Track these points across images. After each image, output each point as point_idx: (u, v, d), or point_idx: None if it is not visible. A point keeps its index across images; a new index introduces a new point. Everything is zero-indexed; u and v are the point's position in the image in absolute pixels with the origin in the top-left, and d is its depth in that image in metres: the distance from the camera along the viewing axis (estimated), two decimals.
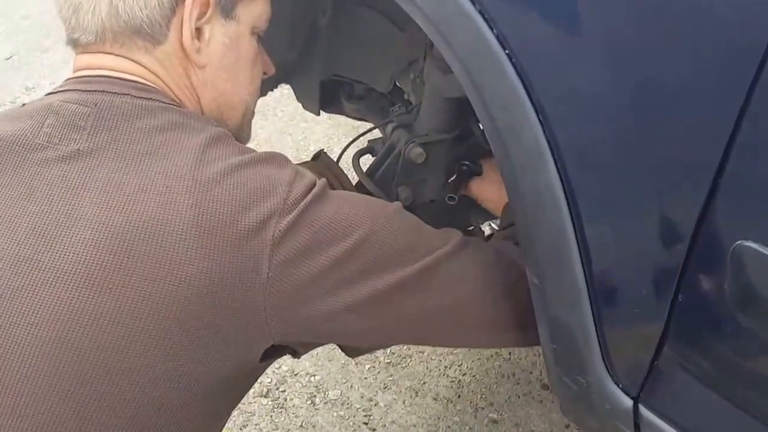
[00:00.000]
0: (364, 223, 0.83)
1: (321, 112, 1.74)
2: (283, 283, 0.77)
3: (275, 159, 0.84)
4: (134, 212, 0.75)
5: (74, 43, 0.85)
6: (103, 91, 0.81)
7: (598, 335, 0.83)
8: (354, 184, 1.31)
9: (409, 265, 0.84)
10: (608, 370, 0.85)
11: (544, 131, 0.76)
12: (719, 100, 0.64)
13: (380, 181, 1.33)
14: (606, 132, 0.75)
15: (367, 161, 1.36)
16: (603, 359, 0.84)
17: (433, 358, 1.91)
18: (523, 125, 0.76)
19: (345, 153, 1.41)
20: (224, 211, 0.75)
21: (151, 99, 0.82)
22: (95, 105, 0.80)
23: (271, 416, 1.72)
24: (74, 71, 0.86)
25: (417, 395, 1.81)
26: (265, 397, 1.77)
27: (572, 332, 0.84)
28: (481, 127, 1.35)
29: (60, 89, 0.85)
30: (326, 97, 1.70)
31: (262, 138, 2.56)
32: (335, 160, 1.34)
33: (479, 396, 1.83)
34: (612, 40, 0.72)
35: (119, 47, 0.83)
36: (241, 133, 0.98)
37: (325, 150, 1.36)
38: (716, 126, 0.64)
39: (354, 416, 1.75)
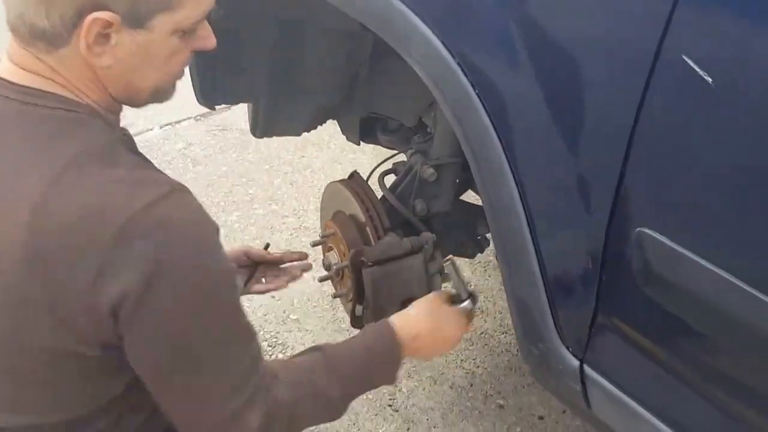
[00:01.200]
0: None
1: (361, 142, 1.96)
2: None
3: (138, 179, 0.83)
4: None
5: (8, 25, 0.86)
6: (4, 96, 0.85)
7: (551, 309, 1.00)
8: (379, 198, 1.52)
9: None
10: (560, 337, 1.02)
11: (507, 158, 0.94)
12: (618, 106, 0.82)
13: (400, 195, 1.53)
14: (545, 147, 0.93)
15: (391, 180, 1.57)
16: (555, 328, 1.01)
17: (451, 353, 2.07)
18: (490, 148, 0.95)
19: (374, 174, 1.61)
20: (58, 232, 0.79)
21: (38, 105, 0.84)
22: None
23: None
24: (6, 53, 0.88)
25: (435, 383, 1.98)
26: None
27: (531, 308, 1.02)
28: None
29: None
30: (365, 130, 1.91)
31: (316, 166, 2.78)
32: (366, 179, 1.55)
33: (489, 385, 1.98)
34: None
35: (26, 44, 0.84)
36: (153, 100, 0.95)
37: (358, 172, 1.57)
38: (617, 135, 0.82)
39: (380, 399, 1.92)
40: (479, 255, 2.41)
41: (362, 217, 1.47)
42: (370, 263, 1.39)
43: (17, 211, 0.79)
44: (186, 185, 0.88)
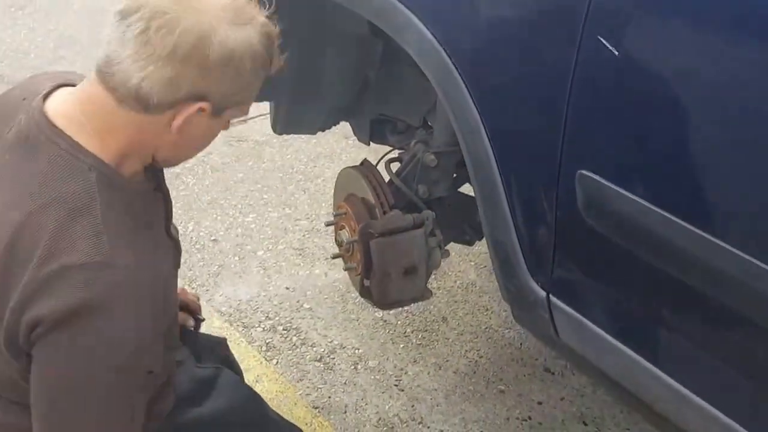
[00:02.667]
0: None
1: (370, 142, 2.34)
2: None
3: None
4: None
5: (104, 66, 1.05)
6: (39, 127, 1.09)
7: (521, 247, 1.36)
8: (387, 181, 1.89)
9: None
10: (530, 272, 1.37)
11: (479, 115, 1.32)
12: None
13: (404, 179, 1.90)
14: (512, 114, 1.31)
15: (396, 167, 1.95)
16: (526, 264, 1.37)
17: (456, 344, 2.42)
18: (467, 113, 1.33)
19: (381, 162, 1.99)
20: (25, 249, 1.04)
21: (57, 144, 1.07)
22: (28, 133, 1.09)
23: (322, 375, 2.26)
24: (79, 87, 1.11)
25: (440, 369, 2.32)
26: (318, 361, 2.31)
27: (506, 248, 1.38)
28: None
29: (35, 107, 1.10)
30: (375, 131, 2.29)
31: (328, 176, 3.17)
32: (375, 165, 1.93)
33: (491, 372, 2.32)
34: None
35: (117, 101, 1.05)
36: (170, 166, 1.20)
37: (368, 159, 1.95)
38: (558, 99, 1.20)
39: (387, 380, 2.27)
40: (484, 258, 2.78)
41: (371, 198, 1.84)
42: (377, 234, 1.76)
43: (3, 227, 1.06)
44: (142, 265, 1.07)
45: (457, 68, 1.34)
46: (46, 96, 1.12)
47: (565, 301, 1.35)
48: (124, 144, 1.08)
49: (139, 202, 1.14)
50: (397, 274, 1.80)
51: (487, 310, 2.57)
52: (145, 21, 1.01)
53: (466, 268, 2.74)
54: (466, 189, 2.12)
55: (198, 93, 1.05)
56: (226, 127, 1.17)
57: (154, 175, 1.20)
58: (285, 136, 3.35)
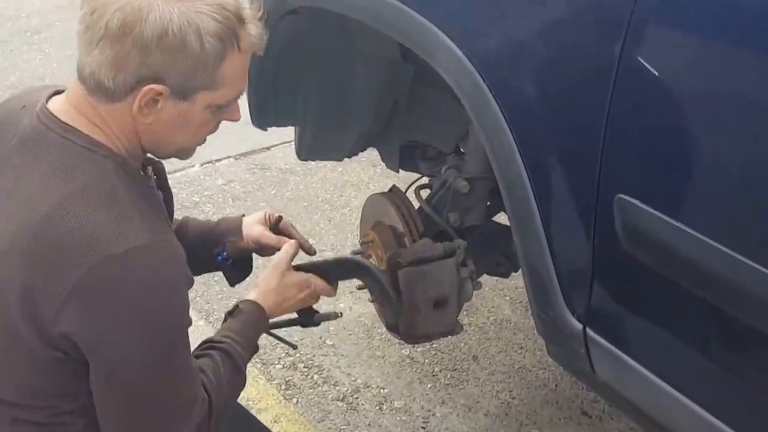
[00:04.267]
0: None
1: (399, 170, 2.38)
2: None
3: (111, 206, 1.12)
4: (8, 225, 1.13)
5: (77, 68, 1.16)
6: (45, 125, 1.16)
7: (557, 276, 1.38)
8: (416, 208, 1.92)
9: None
10: (565, 303, 1.39)
11: (514, 140, 1.36)
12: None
13: (435, 206, 1.94)
14: (547, 137, 1.35)
15: (426, 195, 1.99)
16: (562, 294, 1.39)
17: (488, 384, 2.43)
18: (502, 136, 1.37)
19: (411, 188, 2.03)
20: (47, 250, 1.09)
21: (69, 140, 1.14)
22: (37, 133, 1.16)
23: (345, 415, 2.28)
24: (67, 91, 1.20)
25: (470, 411, 2.33)
26: (341, 401, 2.33)
27: (542, 276, 1.40)
28: None
29: (37, 109, 1.19)
30: (404, 157, 2.32)
31: (354, 206, 3.21)
32: (404, 192, 1.96)
33: (524, 415, 2.32)
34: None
35: (89, 93, 1.15)
36: (175, 156, 1.27)
37: (396, 185, 1.99)
38: (595, 124, 1.23)
39: (414, 421, 2.28)
40: (520, 293, 2.79)
41: (400, 226, 1.87)
42: (405, 263, 1.78)
43: (27, 221, 1.11)
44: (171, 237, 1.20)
45: (491, 91, 1.37)
46: (47, 99, 1.21)
47: (603, 334, 1.36)
48: (118, 135, 1.17)
49: (147, 191, 1.23)
50: (426, 306, 1.81)
51: (521, 348, 2.57)
52: (89, 10, 1.11)
53: (500, 303, 2.75)
54: (501, 219, 2.16)
55: (148, 74, 1.11)
56: (215, 118, 1.22)
57: (155, 172, 1.30)
58: (310, 164, 3.44)
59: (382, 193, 1.98)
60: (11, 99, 1.32)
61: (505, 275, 2.18)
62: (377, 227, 1.94)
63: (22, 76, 4.23)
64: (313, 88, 2.10)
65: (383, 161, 2.41)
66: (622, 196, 1.22)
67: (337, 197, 3.29)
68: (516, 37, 1.39)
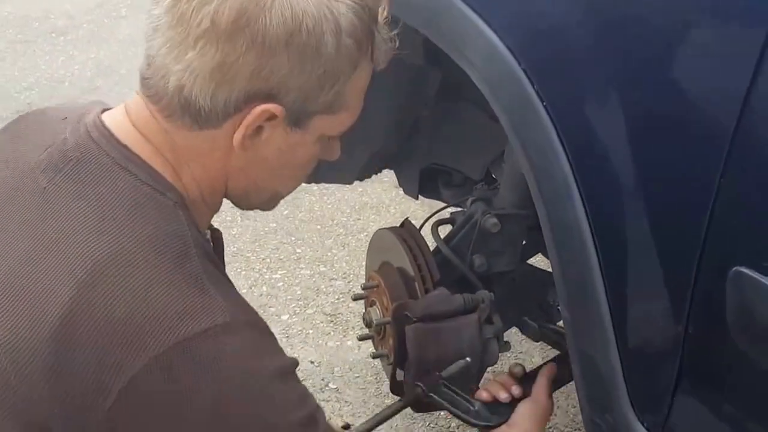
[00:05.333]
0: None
1: (419, 196, 1.93)
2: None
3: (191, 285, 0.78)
4: (32, 278, 0.77)
5: (141, 81, 0.85)
6: (98, 145, 0.83)
7: (623, 371, 0.90)
8: (432, 250, 1.47)
9: None
10: (633, 408, 0.91)
11: (572, 171, 0.88)
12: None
13: (456, 247, 1.47)
14: (624, 177, 0.87)
15: (447, 231, 1.51)
16: (628, 395, 0.91)
17: None
18: (554, 166, 0.90)
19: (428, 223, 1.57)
20: (93, 329, 0.75)
21: (129, 172, 0.82)
22: (83, 153, 0.82)
23: None
24: (124, 107, 0.88)
25: None
26: None
27: (599, 367, 0.92)
28: None
29: (88, 122, 0.86)
30: (425, 183, 1.88)
31: (372, 231, 2.76)
32: (419, 228, 1.51)
33: None
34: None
35: (165, 116, 0.82)
36: (262, 207, 0.99)
37: (409, 219, 1.53)
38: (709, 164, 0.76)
39: None
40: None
41: (410, 270, 1.43)
42: (414, 319, 1.33)
43: (71, 270, 0.77)
44: (256, 315, 0.85)
45: (542, 100, 0.91)
46: (101, 113, 0.87)
47: None
48: (196, 178, 0.85)
49: (212, 255, 0.87)
50: (439, 371, 1.36)
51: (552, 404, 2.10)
52: None
53: (528, 349, 2.26)
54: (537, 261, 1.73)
55: (262, 89, 0.79)
56: (328, 151, 0.91)
57: (213, 239, 0.97)
58: (326, 185, 3.01)
59: (392, 229, 1.53)
60: (49, 108, 0.96)
61: (535, 339, 1.70)
62: (384, 270, 1.49)
63: (40, 78, 3.89)
64: None
65: (401, 186, 1.96)
66: (744, 270, 0.74)
67: (353, 221, 2.85)
68: (590, 29, 0.91)
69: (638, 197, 0.86)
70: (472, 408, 1.27)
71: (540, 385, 1.26)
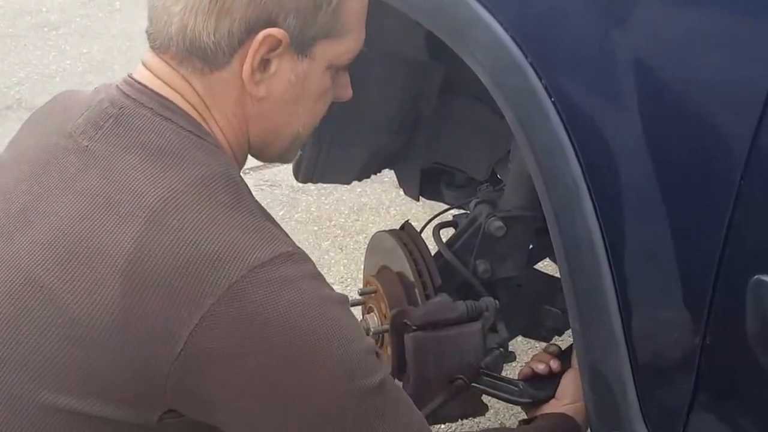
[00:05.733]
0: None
1: (420, 198, 1.89)
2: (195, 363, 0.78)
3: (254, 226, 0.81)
4: (84, 229, 0.79)
5: (148, 37, 0.89)
6: (134, 99, 0.86)
7: (635, 385, 0.87)
8: (434, 254, 1.42)
9: None
10: (645, 424, 0.87)
11: (583, 173, 0.84)
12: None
13: (459, 252, 1.43)
14: (639, 181, 0.83)
15: (449, 234, 1.47)
16: (641, 411, 0.87)
17: None
18: (563, 167, 0.86)
19: (430, 226, 1.52)
20: (161, 268, 0.76)
21: (170, 120, 0.85)
22: (120, 108, 0.85)
23: None
24: (142, 64, 0.91)
25: None
26: None
27: (609, 381, 0.89)
28: None
29: (118, 82, 0.90)
30: (426, 183, 1.84)
31: (371, 232, 2.73)
32: (420, 231, 1.47)
33: None
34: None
35: (178, 63, 0.86)
36: (283, 155, 1.00)
37: (410, 222, 1.49)
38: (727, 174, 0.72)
39: None
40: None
41: (410, 275, 1.38)
42: (414, 327, 1.29)
43: (131, 213, 0.79)
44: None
45: (550, 95, 0.87)
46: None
47: None
48: (223, 126, 0.89)
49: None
50: (440, 383, 1.32)
51: None
52: None
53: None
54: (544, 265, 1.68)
55: (260, 15, 0.82)
56: (339, 88, 0.96)
57: None
58: (324, 184, 2.97)
59: (391, 231, 1.48)
60: (79, 90, 0.99)
61: (547, 339, 1.66)
62: (382, 274, 1.45)
63: (31, 73, 3.88)
64: None
65: (401, 186, 1.92)
66: (764, 278, 0.70)
67: (351, 222, 2.82)
68: (602, 18, 0.87)
69: (653, 201, 0.82)
70: (515, 388, 1.26)
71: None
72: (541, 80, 0.88)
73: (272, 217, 0.89)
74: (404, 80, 1.60)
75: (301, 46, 0.86)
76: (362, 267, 2.51)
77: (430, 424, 1.35)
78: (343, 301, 0.87)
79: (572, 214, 0.86)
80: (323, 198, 2.93)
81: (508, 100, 0.92)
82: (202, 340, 0.75)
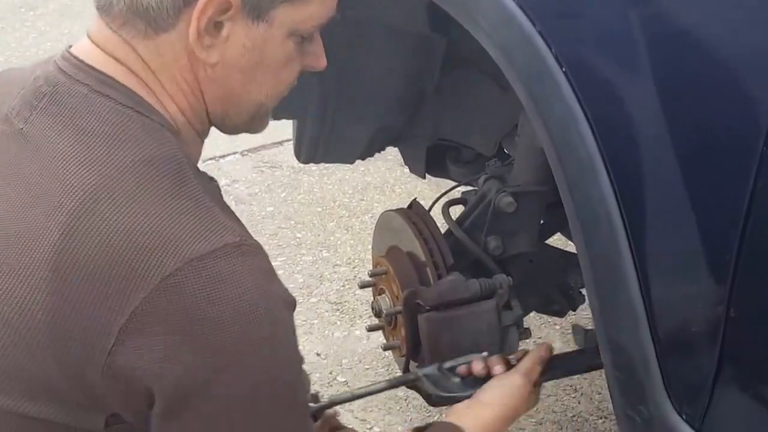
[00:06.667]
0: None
1: (427, 175, 1.89)
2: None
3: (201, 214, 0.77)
4: (18, 224, 0.77)
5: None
6: (70, 75, 0.82)
7: (658, 359, 0.87)
8: (443, 232, 1.43)
9: None
10: (670, 398, 0.88)
11: (597, 144, 0.84)
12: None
13: (469, 229, 1.43)
14: (656, 150, 0.83)
15: (458, 212, 1.48)
16: (664, 385, 0.88)
17: None
18: (577, 139, 0.85)
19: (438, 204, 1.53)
20: (90, 260, 0.73)
21: (108, 96, 0.80)
22: (55, 86, 0.81)
23: None
24: (87, 31, 0.86)
25: None
26: None
27: (632, 357, 0.89)
28: None
29: (56, 57, 0.86)
30: (432, 160, 1.84)
31: (377, 212, 2.73)
32: (428, 209, 1.47)
33: None
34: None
35: (120, 25, 0.81)
36: (249, 125, 0.94)
37: (417, 200, 1.49)
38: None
39: None
40: (570, 322, 2.29)
41: (421, 254, 1.39)
42: (427, 307, 1.30)
43: (59, 204, 0.75)
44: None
45: (561, 65, 0.86)
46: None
47: None
48: (172, 93, 0.83)
49: (210, 185, 0.86)
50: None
51: (575, 391, 2.06)
52: None
53: (548, 333, 2.24)
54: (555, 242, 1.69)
55: None
56: (299, 58, 0.88)
57: None
58: (326, 164, 2.97)
59: (399, 210, 1.48)
60: (14, 69, 0.95)
61: (561, 314, 1.67)
62: (392, 254, 1.45)
63: (11, 56, 3.83)
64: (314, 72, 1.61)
65: (406, 164, 1.92)
66: None
67: (356, 202, 2.81)
68: None
69: (672, 170, 0.82)
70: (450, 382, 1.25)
71: (521, 363, 1.20)
72: (551, 50, 0.87)
73: (226, 205, 0.84)
74: (407, 54, 1.60)
75: (257, 9, 0.80)
76: (369, 247, 2.53)
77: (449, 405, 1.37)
78: (290, 303, 0.81)
79: (587, 185, 0.86)
80: (326, 178, 2.92)
81: (517, 71, 0.92)
82: (133, 335, 0.72)
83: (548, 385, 2.08)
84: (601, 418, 1.97)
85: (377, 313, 1.46)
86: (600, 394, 2.05)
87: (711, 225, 0.79)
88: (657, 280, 0.85)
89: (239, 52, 0.82)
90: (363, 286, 1.53)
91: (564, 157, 0.89)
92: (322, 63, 0.92)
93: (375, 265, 1.51)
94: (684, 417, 0.88)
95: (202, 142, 0.90)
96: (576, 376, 2.11)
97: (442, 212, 1.48)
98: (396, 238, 1.46)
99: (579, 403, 2.02)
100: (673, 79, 0.81)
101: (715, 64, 0.78)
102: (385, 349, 1.47)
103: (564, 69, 0.87)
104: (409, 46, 1.58)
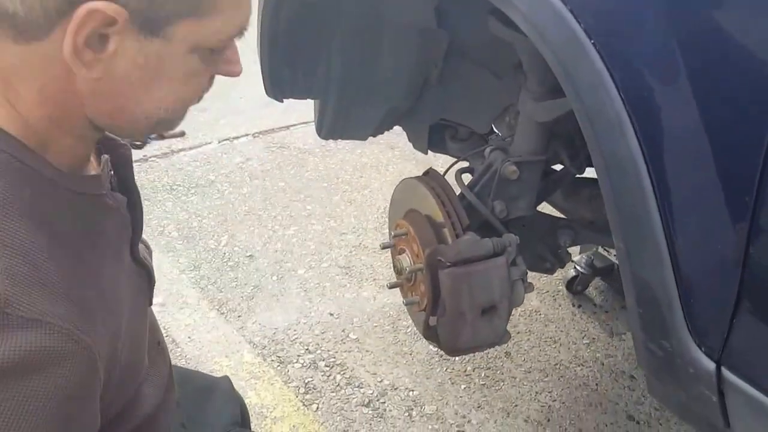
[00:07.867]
0: None
1: (429, 151, 1.85)
2: None
3: None
4: None
5: None
6: None
7: (680, 295, 0.84)
8: (457, 195, 1.39)
9: None
10: (690, 332, 0.85)
11: (624, 105, 0.81)
12: None
13: (478, 194, 1.40)
14: (678, 106, 0.80)
15: (468, 179, 1.44)
16: (685, 320, 0.85)
17: (525, 384, 1.90)
18: (606, 103, 0.82)
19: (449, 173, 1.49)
20: None
21: None
22: None
23: (371, 424, 1.75)
24: None
25: (509, 416, 1.80)
26: (366, 406, 1.80)
27: (655, 293, 0.86)
28: (566, 151, 1.43)
29: None
30: (433, 138, 1.80)
31: (375, 187, 2.70)
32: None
33: (568, 421, 1.79)
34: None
35: None
36: (152, 132, 0.73)
37: (434, 168, 1.45)
38: None
39: (447, 430, 1.75)
40: (548, 284, 2.27)
41: (439, 216, 1.34)
42: (448, 264, 1.26)
43: None
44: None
45: (590, 37, 0.83)
46: None
47: (748, 378, 0.83)
48: (34, 105, 0.64)
49: (84, 207, 0.68)
50: (473, 314, 1.30)
51: (554, 342, 2.05)
52: None
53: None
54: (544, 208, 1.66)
55: None
56: (207, 69, 0.68)
57: (114, 165, 0.74)
58: (329, 146, 2.92)
59: (419, 177, 1.43)
60: None
61: (551, 272, 1.64)
62: (411, 217, 1.40)
63: None
64: (335, 58, 1.56)
65: (410, 141, 1.87)
66: None
67: (357, 178, 2.77)
68: None
69: (692, 118, 0.78)
70: None
71: None
72: (581, 24, 0.84)
73: (51, 244, 0.63)
74: (415, 47, 1.56)
75: (150, 25, 0.62)
76: (370, 217, 2.50)
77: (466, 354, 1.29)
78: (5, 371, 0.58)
79: (616, 142, 0.83)
80: (328, 158, 2.86)
81: (551, 46, 0.88)
82: None
83: (531, 338, 2.07)
84: (579, 365, 1.96)
85: (399, 271, 1.42)
86: (575, 344, 2.04)
87: (730, 168, 0.76)
88: (679, 218, 0.82)
89: (129, 67, 0.64)
90: (384, 246, 1.48)
91: (594, 118, 0.85)
92: (236, 70, 0.71)
93: (395, 227, 1.46)
94: (704, 350, 0.86)
95: (92, 142, 0.72)
96: (554, 329, 2.10)
97: (456, 179, 1.44)
98: (415, 201, 1.41)
99: (559, 353, 2.00)
100: (692, 40, 0.78)
101: (736, 21, 0.74)
102: (407, 304, 1.43)
103: (593, 41, 0.84)
104: (418, 40, 1.54)
